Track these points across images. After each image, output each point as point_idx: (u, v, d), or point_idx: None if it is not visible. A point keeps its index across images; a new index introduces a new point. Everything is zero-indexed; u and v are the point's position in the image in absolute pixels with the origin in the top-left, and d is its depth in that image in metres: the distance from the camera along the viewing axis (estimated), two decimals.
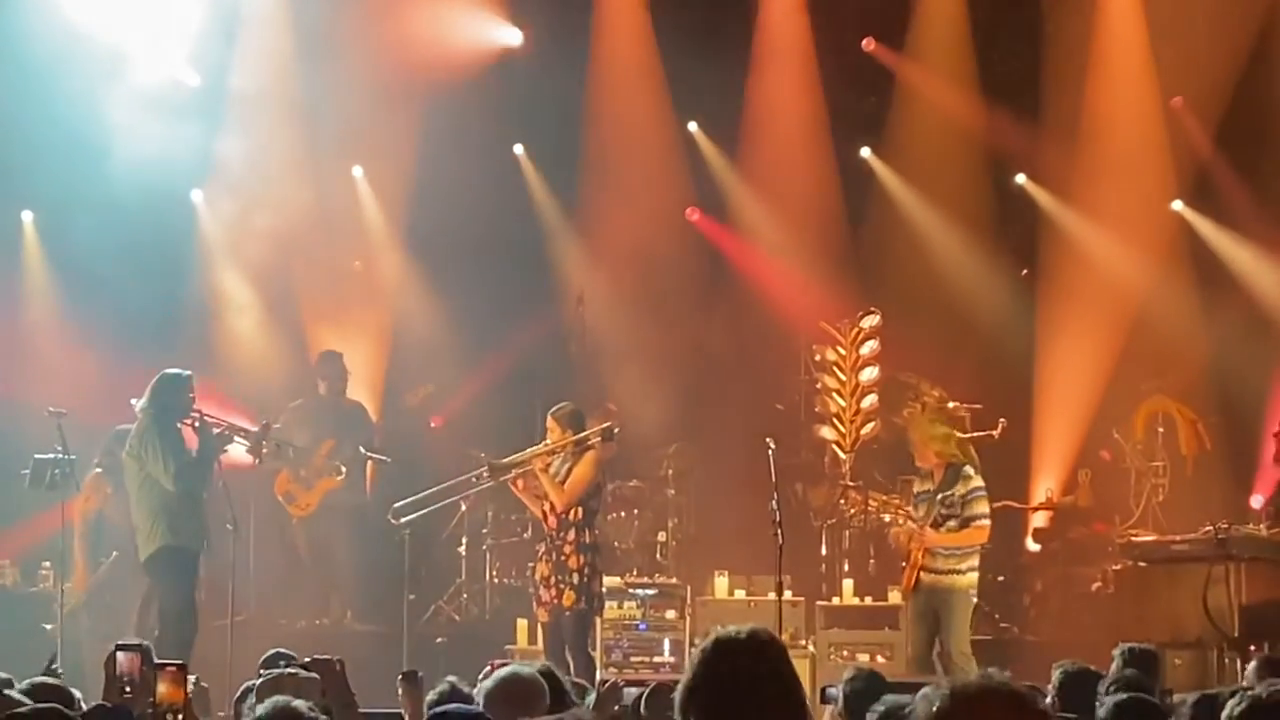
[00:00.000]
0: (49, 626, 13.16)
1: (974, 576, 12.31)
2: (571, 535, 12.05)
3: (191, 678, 5.15)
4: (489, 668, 8.18)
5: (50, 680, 6.42)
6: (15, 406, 14.69)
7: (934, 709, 3.27)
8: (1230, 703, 5.06)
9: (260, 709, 4.40)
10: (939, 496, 12.25)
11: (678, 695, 4.10)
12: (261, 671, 6.31)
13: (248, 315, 16.57)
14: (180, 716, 5.01)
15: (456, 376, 16.45)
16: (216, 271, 16.64)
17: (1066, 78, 16.76)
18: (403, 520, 12.93)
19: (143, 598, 12.72)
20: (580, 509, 12.11)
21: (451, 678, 6.61)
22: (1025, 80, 16.80)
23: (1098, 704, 6.76)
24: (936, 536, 12.22)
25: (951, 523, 12.23)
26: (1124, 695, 6.39)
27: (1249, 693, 5.09)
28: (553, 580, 12.03)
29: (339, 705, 5.68)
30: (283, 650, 7.77)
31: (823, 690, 8.12)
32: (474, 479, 12.87)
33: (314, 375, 15.64)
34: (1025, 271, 17.29)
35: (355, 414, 15.48)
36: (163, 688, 5.04)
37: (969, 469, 12.47)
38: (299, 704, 4.44)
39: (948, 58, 17.23)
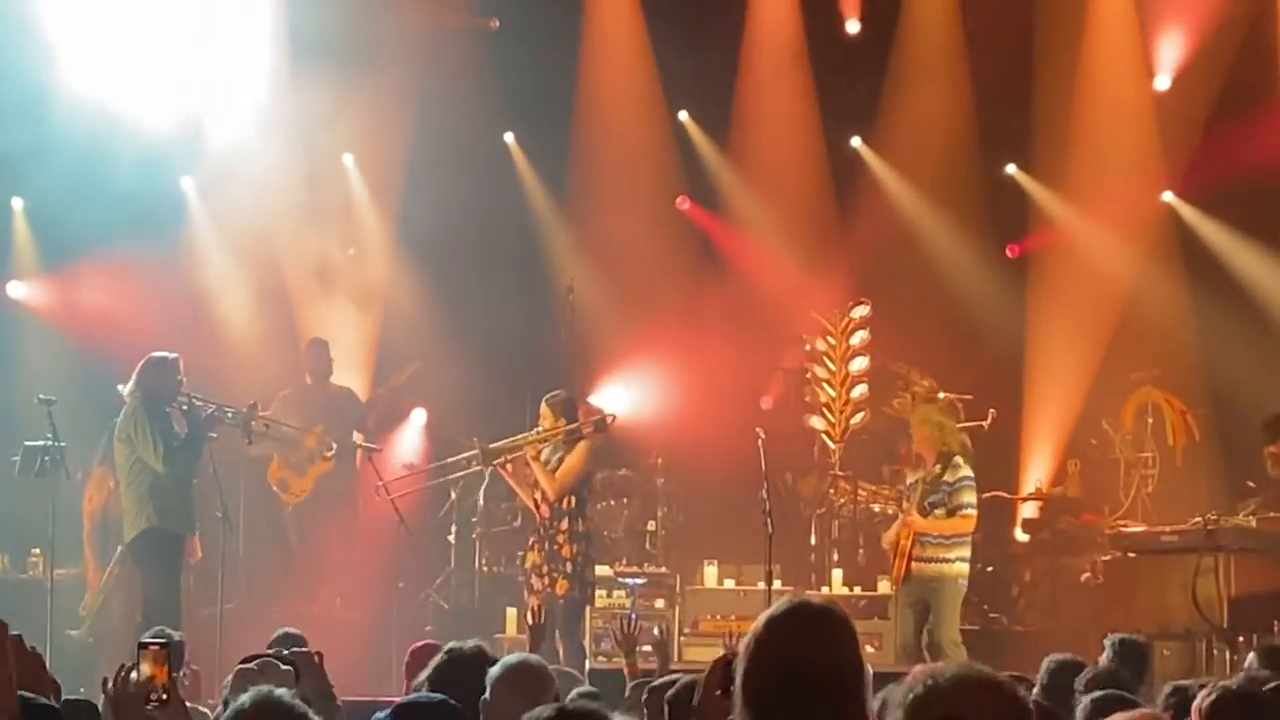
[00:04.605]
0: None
1: (964, 566, 12.34)
2: (565, 524, 12.05)
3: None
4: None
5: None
6: (4, 394, 14.69)
7: (909, 696, 3.27)
8: (1200, 693, 5.08)
9: (244, 699, 4.37)
10: (926, 479, 12.29)
11: (738, 689, 3.85)
12: (265, 651, 6.33)
13: (238, 303, 16.55)
14: (165, 696, 4.97)
15: (445, 363, 16.41)
16: (207, 259, 16.60)
17: (1057, 67, 16.76)
18: (390, 497, 12.95)
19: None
20: (573, 498, 12.11)
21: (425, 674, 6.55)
22: (1016, 69, 16.80)
23: (1074, 698, 6.77)
24: (924, 523, 12.25)
25: (939, 511, 12.26)
26: (1101, 692, 6.39)
27: (1219, 683, 5.12)
28: (545, 569, 12.03)
29: (316, 696, 5.67)
30: (290, 630, 7.79)
31: None
32: (465, 462, 12.88)
33: (301, 363, 15.65)
34: (1012, 250, 17.34)
35: (343, 400, 15.47)
36: (145, 667, 5.00)
37: (959, 458, 12.50)
38: (282, 692, 4.41)
39: (938, 45, 17.23)
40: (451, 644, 6.32)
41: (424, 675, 6.24)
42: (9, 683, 3.89)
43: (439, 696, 5.44)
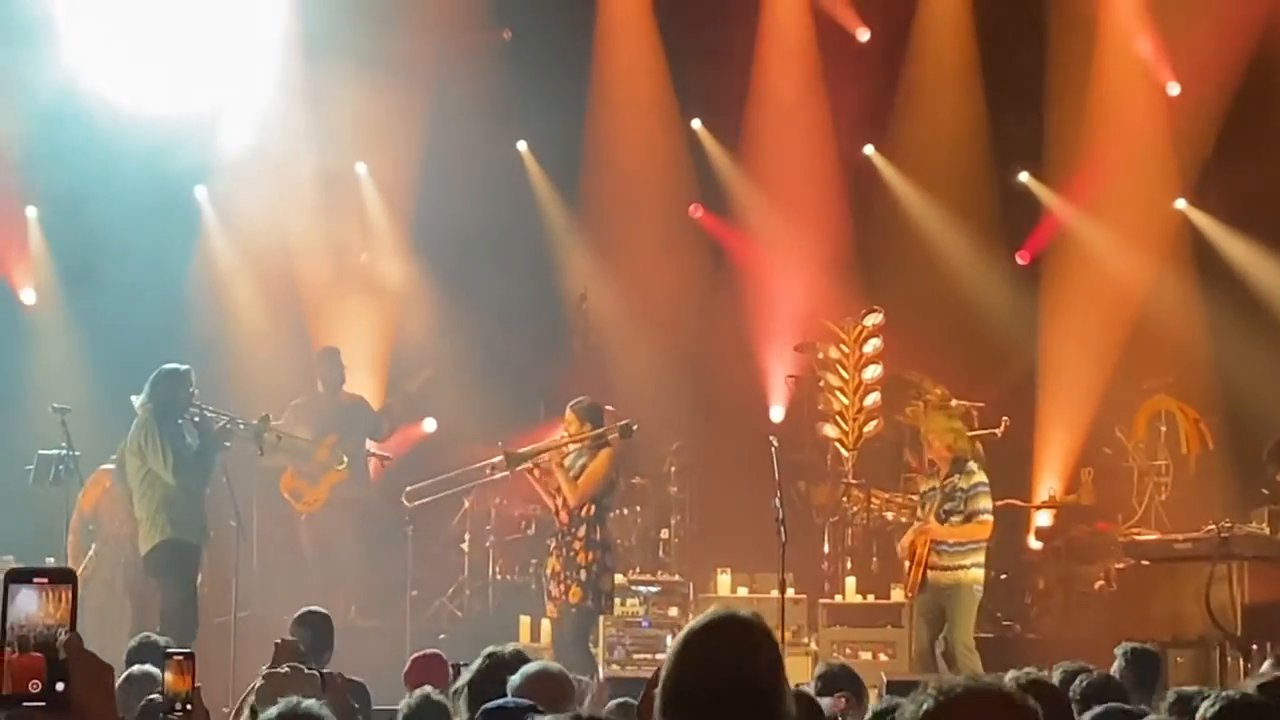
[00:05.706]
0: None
1: (979, 572, 12.30)
2: (582, 531, 12.00)
3: None
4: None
5: None
6: (19, 402, 14.72)
7: (920, 710, 3.27)
8: (1204, 704, 5.06)
9: (273, 710, 4.37)
10: (942, 486, 12.27)
11: (659, 695, 3.91)
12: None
13: (251, 310, 16.59)
14: (189, 706, 4.98)
15: (458, 370, 16.43)
16: (220, 267, 16.64)
17: (1070, 74, 16.76)
18: (415, 503, 12.94)
19: (139, 595, 12.74)
20: (593, 505, 12.06)
21: (426, 688, 6.58)
22: (1029, 77, 16.80)
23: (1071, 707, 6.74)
24: (941, 530, 12.22)
25: (955, 518, 12.24)
26: (1101, 708, 6.35)
27: (1222, 693, 5.11)
28: (562, 576, 12.00)
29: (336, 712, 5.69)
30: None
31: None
32: (488, 469, 12.85)
33: (314, 372, 15.66)
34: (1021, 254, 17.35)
35: (356, 408, 15.47)
36: (169, 677, 5.01)
37: (972, 464, 12.48)
38: (310, 704, 4.42)
39: (951, 53, 17.24)
40: (491, 648, 6.33)
41: (465, 679, 6.24)
42: None
43: (526, 702, 5.42)
